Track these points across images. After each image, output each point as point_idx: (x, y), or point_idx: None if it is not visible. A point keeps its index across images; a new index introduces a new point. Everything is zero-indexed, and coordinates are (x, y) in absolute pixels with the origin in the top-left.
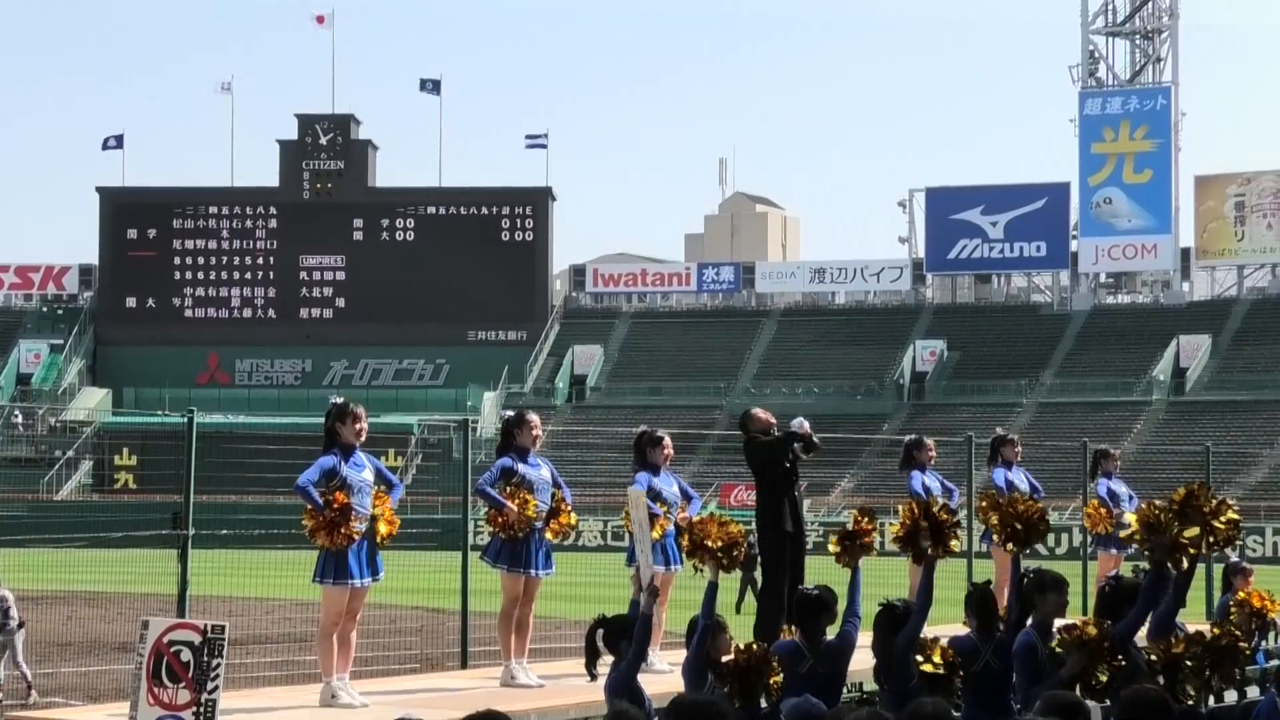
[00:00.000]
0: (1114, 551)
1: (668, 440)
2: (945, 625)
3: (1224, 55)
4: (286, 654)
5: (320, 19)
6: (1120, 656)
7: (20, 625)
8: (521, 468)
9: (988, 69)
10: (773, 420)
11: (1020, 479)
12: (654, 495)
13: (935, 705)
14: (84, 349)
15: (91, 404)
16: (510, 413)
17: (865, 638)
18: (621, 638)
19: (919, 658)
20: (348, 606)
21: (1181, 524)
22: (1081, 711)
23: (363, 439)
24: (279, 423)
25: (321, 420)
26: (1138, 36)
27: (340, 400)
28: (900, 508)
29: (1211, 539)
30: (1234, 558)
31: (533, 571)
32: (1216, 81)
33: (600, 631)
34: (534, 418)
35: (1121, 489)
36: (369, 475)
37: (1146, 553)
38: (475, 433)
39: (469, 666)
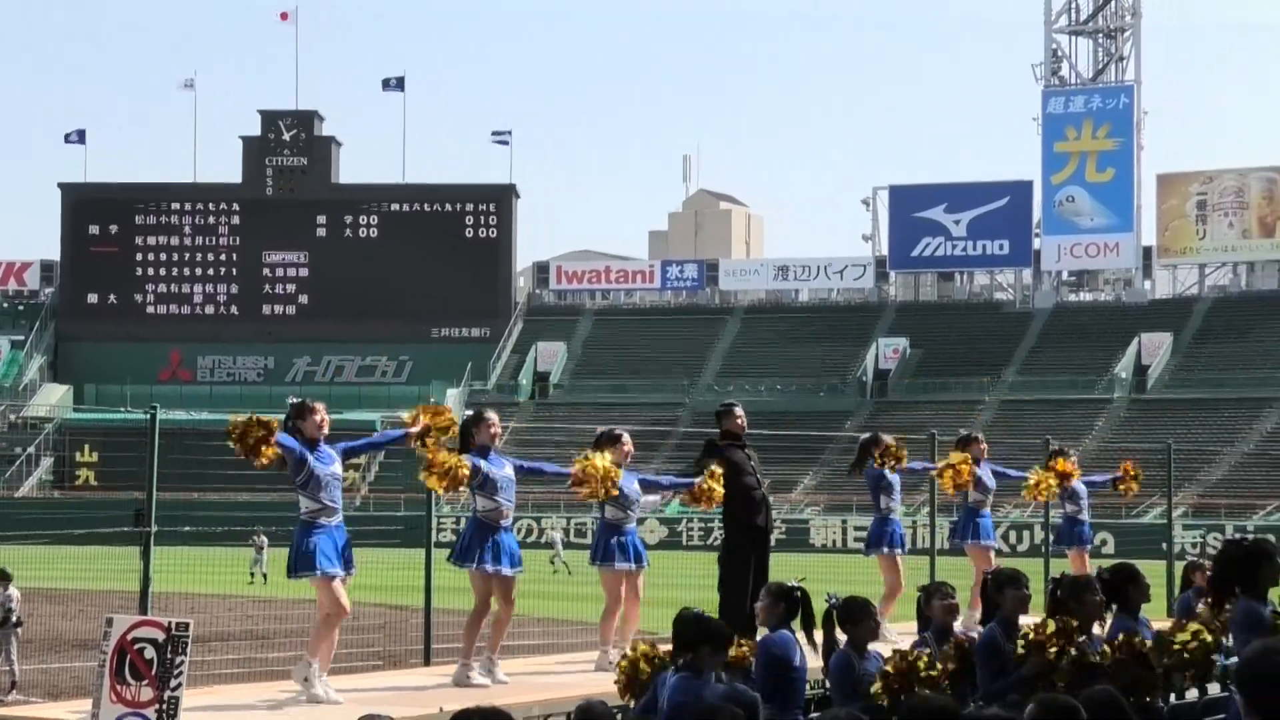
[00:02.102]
0: (1075, 549)
1: (627, 438)
2: (905, 623)
3: (1186, 54)
4: (249, 651)
5: (284, 15)
6: (1079, 656)
7: (18, 624)
8: (485, 466)
9: (951, 67)
10: (744, 427)
11: (987, 474)
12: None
13: (940, 699)
14: (45, 345)
15: (53, 400)
16: (469, 412)
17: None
18: (704, 641)
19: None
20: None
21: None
22: (1077, 715)
23: (325, 431)
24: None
25: (281, 417)
26: (1100, 35)
27: (298, 399)
28: None
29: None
30: (1192, 555)
31: (503, 569)
32: (1179, 80)
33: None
34: (492, 416)
35: (1081, 488)
36: (337, 469)
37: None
38: None
39: (432, 663)
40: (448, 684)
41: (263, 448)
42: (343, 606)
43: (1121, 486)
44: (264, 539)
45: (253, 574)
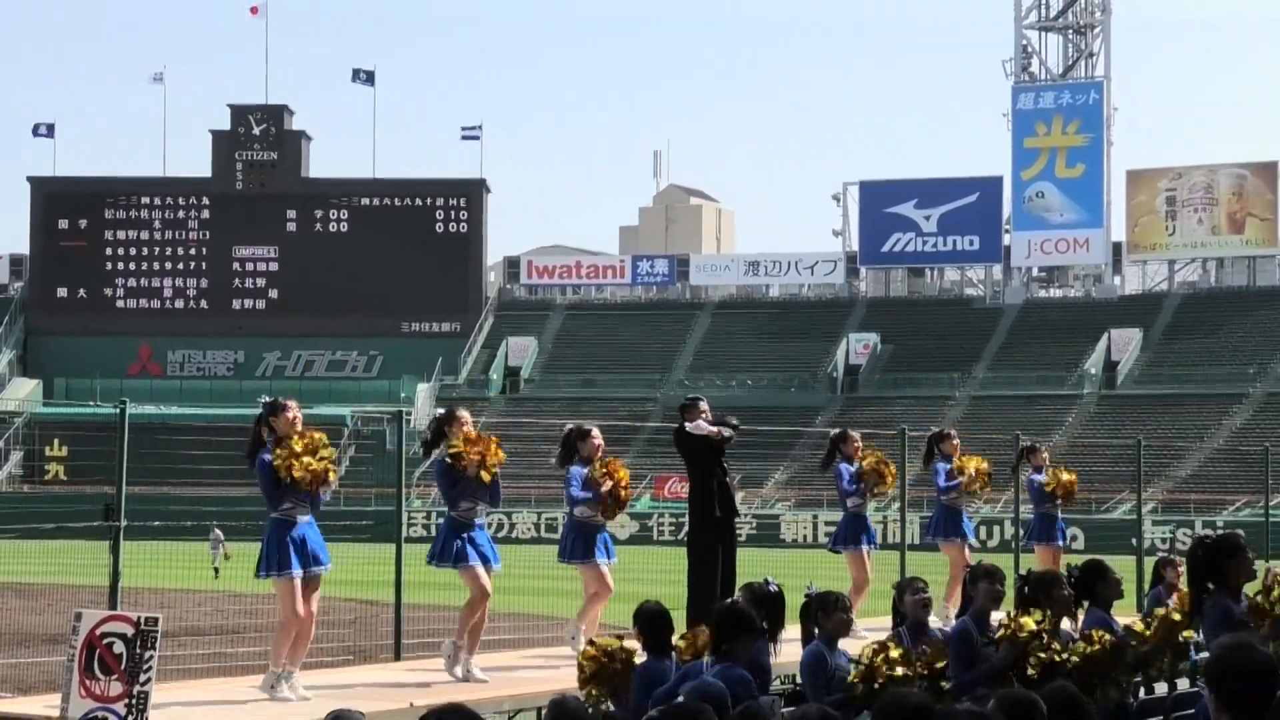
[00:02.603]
0: (1049, 545)
1: (596, 432)
2: (878, 619)
3: (1156, 50)
4: (219, 646)
5: (254, 9)
6: (1053, 647)
7: None
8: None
9: (922, 63)
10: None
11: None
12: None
13: (916, 695)
14: (14, 339)
15: (22, 394)
16: (441, 410)
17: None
18: (743, 630)
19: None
20: (304, 600)
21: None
22: (1037, 709)
23: (298, 429)
24: (211, 414)
25: (254, 412)
26: (1070, 31)
27: (269, 398)
28: None
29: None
30: (1162, 551)
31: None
32: (1148, 76)
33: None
34: (465, 414)
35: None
36: None
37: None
38: (409, 424)
39: (403, 659)
40: (418, 680)
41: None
42: (297, 613)
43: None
44: (220, 533)
45: (216, 568)
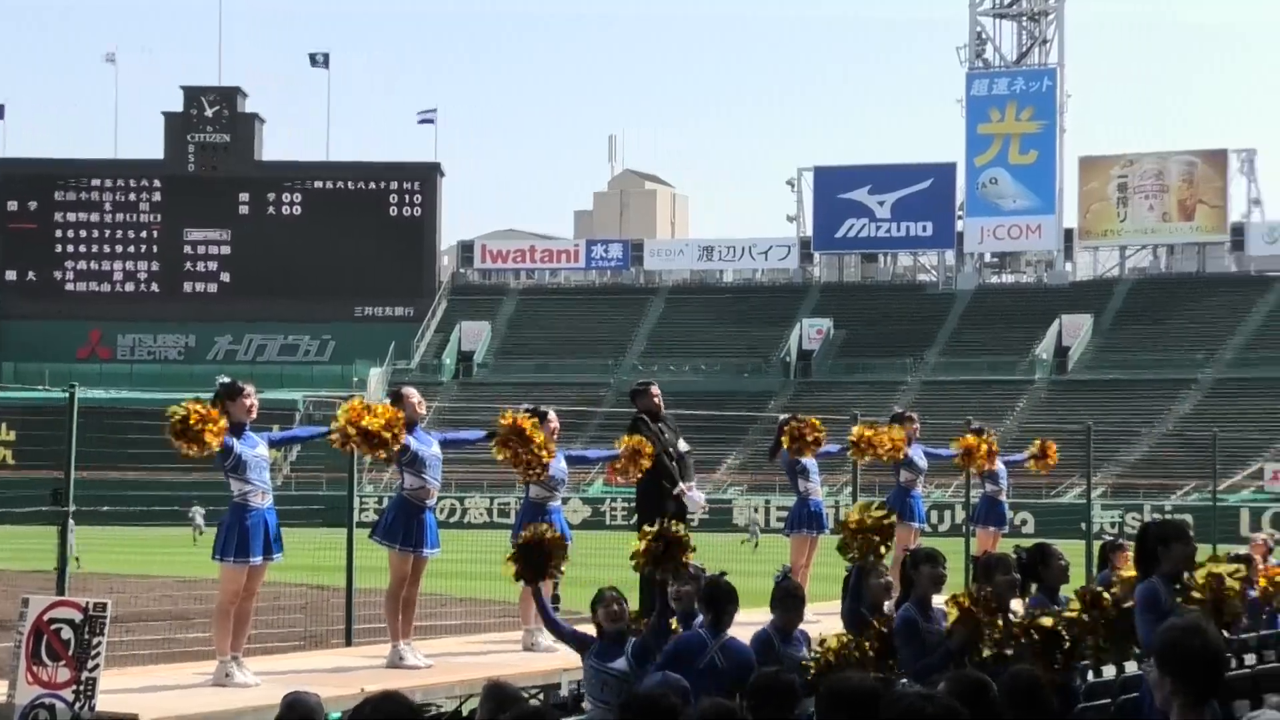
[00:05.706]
0: (993, 529)
1: (553, 415)
2: (822, 603)
3: (1109, 38)
4: (168, 632)
5: None
6: (1001, 624)
7: None
8: (414, 444)
9: (877, 49)
10: (660, 405)
11: (919, 454)
12: None
13: (861, 679)
14: None
15: None
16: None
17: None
18: (731, 602)
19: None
20: (246, 585)
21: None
22: (988, 690)
23: (253, 416)
24: (162, 398)
25: (208, 397)
26: (1024, 18)
27: (228, 379)
28: None
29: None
30: (1110, 535)
31: (423, 550)
32: (1101, 64)
33: None
34: (412, 391)
35: (1001, 469)
36: (263, 450)
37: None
38: None
39: (354, 644)
40: (369, 664)
41: (206, 437)
42: (236, 600)
43: (1036, 465)
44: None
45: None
